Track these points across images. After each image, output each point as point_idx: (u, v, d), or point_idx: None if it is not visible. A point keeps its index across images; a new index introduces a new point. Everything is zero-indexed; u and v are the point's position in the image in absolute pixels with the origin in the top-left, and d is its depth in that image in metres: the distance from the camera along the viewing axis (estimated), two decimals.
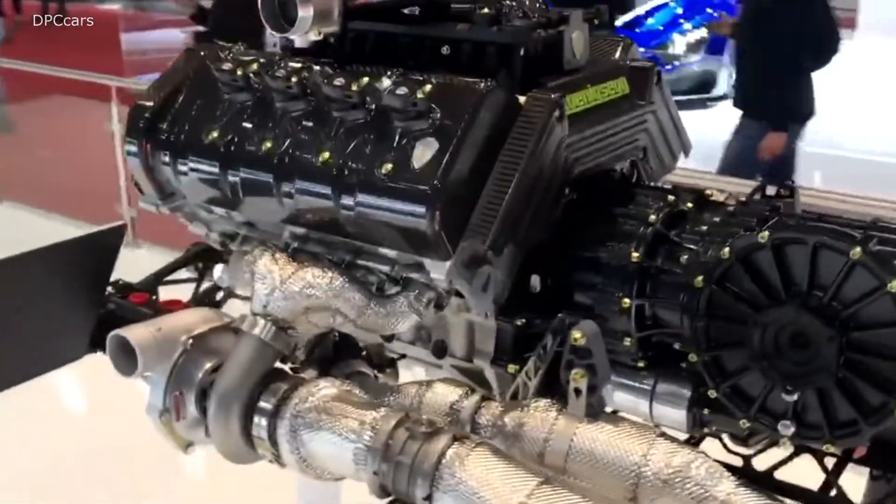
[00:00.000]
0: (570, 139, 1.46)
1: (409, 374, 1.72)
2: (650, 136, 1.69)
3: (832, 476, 1.42)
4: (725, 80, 5.14)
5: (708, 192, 1.58)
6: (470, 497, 1.12)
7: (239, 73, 1.54)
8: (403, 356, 1.68)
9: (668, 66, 4.98)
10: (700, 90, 5.20)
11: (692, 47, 5.15)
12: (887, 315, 1.20)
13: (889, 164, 4.71)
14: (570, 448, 1.21)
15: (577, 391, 1.23)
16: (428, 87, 1.40)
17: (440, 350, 1.64)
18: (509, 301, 1.49)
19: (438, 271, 1.37)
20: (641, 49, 4.86)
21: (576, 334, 1.22)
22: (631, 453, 1.18)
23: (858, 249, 1.20)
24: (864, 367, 1.23)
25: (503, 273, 1.45)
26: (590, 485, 1.18)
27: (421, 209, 1.34)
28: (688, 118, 1.80)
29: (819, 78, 4.30)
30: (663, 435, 1.20)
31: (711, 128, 4.82)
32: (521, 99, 1.42)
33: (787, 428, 1.30)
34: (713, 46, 5.18)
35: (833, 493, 1.42)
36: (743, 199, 1.71)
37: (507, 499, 1.10)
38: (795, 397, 1.28)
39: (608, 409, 1.54)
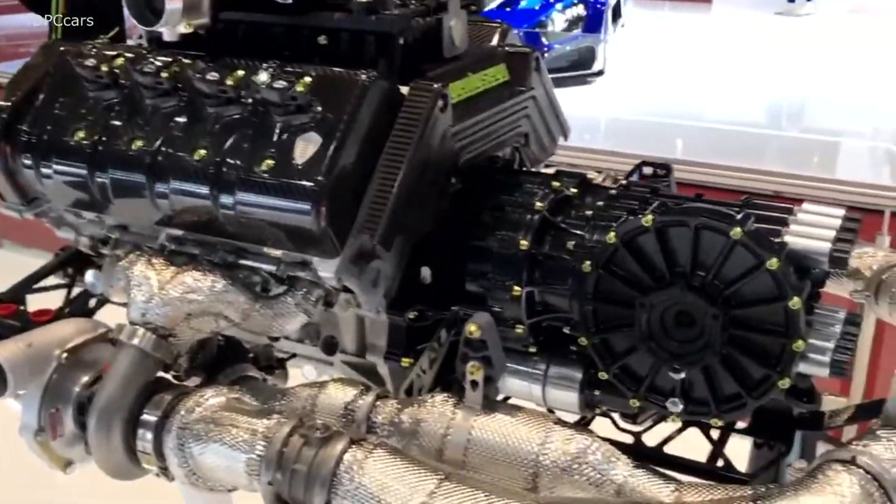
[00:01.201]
0: (454, 128, 1.45)
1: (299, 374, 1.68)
2: (531, 122, 1.69)
3: (718, 447, 1.47)
4: (602, 56, 5.24)
5: (590, 175, 1.60)
6: (370, 501, 1.10)
7: (104, 69, 1.45)
8: (293, 356, 1.64)
9: (547, 45, 5.05)
10: (579, 67, 5.29)
11: (571, 24, 5.23)
12: (767, 291, 1.25)
13: (752, 133, 4.93)
14: (468, 441, 1.20)
15: (474, 384, 1.22)
16: (307, 80, 1.36)
17: (330, 347, 1.61)
18: (400, 294, 1.47)
19: (327, 269, 1.34)
20: (522, 28, 4.93)
21: (471, 327, 1.21)
22: (529, 442, 1.19)
23: (738, 229, 1.24)
24: (746, 343, 1.28)
25: (393, 266, 1.43)
26: (490, 477, 1.18)
27: (306, 206, 1.30)
28: (569, 94, 1.81)
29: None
30: (560, 422, 1.21)
31: (592, 104, 4.94)
32: (404, 89, 1.40)
33: (675, 405, 1.34)
34: (590, 23, 5.27)
35: (720, 463, 1.47)
36: (623, 180, 1.75)
37: (409, 499, 1.09)
38: (683, 375, 1.32)
39: (501, 396, 1.56)
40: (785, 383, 1.26)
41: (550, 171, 2.04)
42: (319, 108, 1.33)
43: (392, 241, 1.34)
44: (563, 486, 1.16)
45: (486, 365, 1.22)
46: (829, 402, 2.81)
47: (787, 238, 1.29)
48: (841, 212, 1.36)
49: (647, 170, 1.80)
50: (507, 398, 1.61)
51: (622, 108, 5.08)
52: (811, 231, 1.30)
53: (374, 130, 1.35)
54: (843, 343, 1.34)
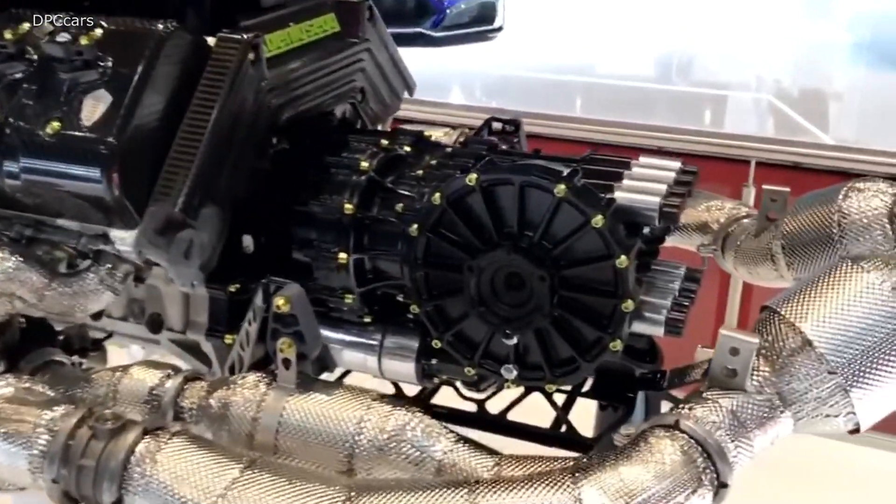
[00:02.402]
0: (272, 83, 1.34)
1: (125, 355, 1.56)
2: (367, 77, 1.59)
3: (561, 412, 1.42)
4: (502, 12, 5.16)
5: (427, 133, 1.52)
6: (164, 495, 1.00)
7: None
8: (109, 336, 1.51)
9: (449, 0, 4.93)
10: (480, 22, 5.19)
11: None
12: (595, 250, 1.19)
13: (642, 89, 4.94)
14: (280, 424, 1.11)
15: (286, 361, 1.13)
16: (97, 32, 1.22)
17: (155, 324, 1.49)
18: (221, 265, 1.36)
19: (125, 242, 1.22)
20: None
21: (279, 301, 1.11)
22: (345, 422, 1.10)
23: (562, 186, 1.17)
24: (577, 305, 1.22)
25: (210, 235, 1.32)
26: (303, 462, 1.10)
27: (96, 172, 1.17)
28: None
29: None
30: (381, 398, 1.13)
31: (484, 62, 4.86)
32: (212, 41, 1.28)
33: (510, 372, 1.28)
34: None
35: (563, 428, 1.42)
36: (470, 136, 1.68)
37: (208, 490, 1.00)
38: (515, 340, 1.25)
39: (339, 370, 1.47)
40: (616, 345, 1.20)
41: (439, 132, 1.96)
42: (110, 64, 1.20)
43: (198, 208, 1.23)
44: (381, 466, 1.08)
45: (299, 341, 1.13)
46: (703, 355, 2.85)
47: (616, 194, 1.23)
48: (676, 164, 1.31)
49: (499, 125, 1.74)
50: (346, 372, 1.53)
51: (514, 65, 5.03)
52: (642, 186, 1.25)
53: (176, 87, 1.24)
54: (680, 300, 1.30)
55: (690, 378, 1.40)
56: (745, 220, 1.60)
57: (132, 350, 1.56)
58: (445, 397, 1.51)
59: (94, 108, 1.19)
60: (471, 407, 1.48)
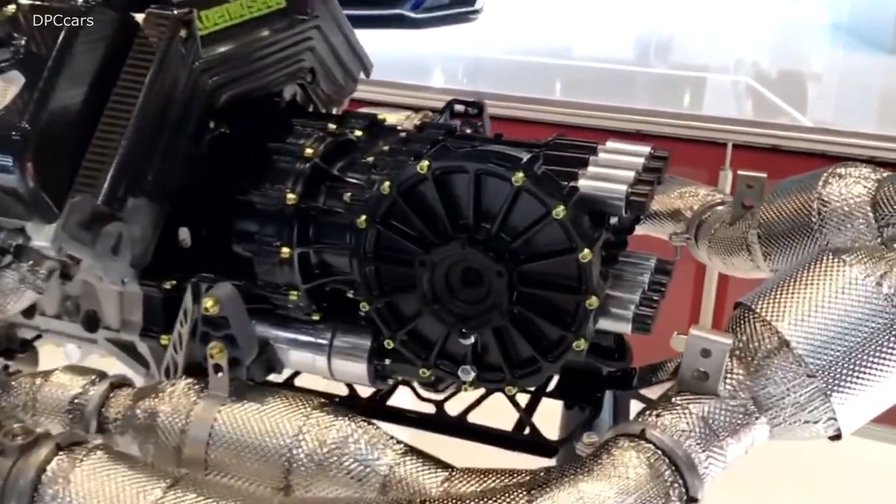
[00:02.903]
0: (207, 63, 1.23)
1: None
2: (318, 56, 1.49)
3: (525, 414, 1.33)
4: None
5: (382, 116, 1.41)
6: None
7: None
8: (38, 336, 1.41)
9: None
10: (461, 4, 5.08)
11: None
12: (556, 243, 1.09)
13: (619, 71, 4.87)
14: (211, 436, 1.01)
15: (217, 367, 1.03)
16: (10, 9, 1.11)
17: (91, 322, 1.39)
18: (157, 260, 1.26)
19: (42, 236, 1.11)
20: None
21: (207, 302, 1.01)
22: (281, 434, 1.01)
23: (521, 175, 1.07)
24: (537, 302, 1.13)
25: (143, 228, 1.23)
26: (236, 478, 1.00)
27: (7, 161, 1.07)
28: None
29: None
30: (323, 406, 1.04)
31: (460, 44, 4.76)
32: (140, 18, 1.17)
33: (467, 373, 1.18)
34: None
35: (527, 431, 1.33)
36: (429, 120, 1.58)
37: None
38: (473, 340, 1.16)
39: (287, 372, 1.38)
40: (580, 345, 1.12)
41: (400, 116, 1.86)
42: (23, 43, 1.09)
43: (124, 199, 1.13)
44: (321, 482, 0.99)
45: (231, 345, 1.03)
46: (679, 342, 2.77)
47: (580, 182, 1.14)
48: (645, 149, 1.22)
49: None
50: (295, 374, 1.44)
51: (492, 48, 4.94)
52: (608, 173, 1.15)
53: (99, 68, 1.13)
54: (649, 295, 1.21)
55: (662, 377, 1.32)
56: (720, 208, 1.51)
57: (69, 350, 1.46)
58: (403, 399, 1.42)
59: (5, 91, 1.08)
60: (429, 408, 1.39)
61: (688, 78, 4.86)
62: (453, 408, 1.40)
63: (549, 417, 1.41)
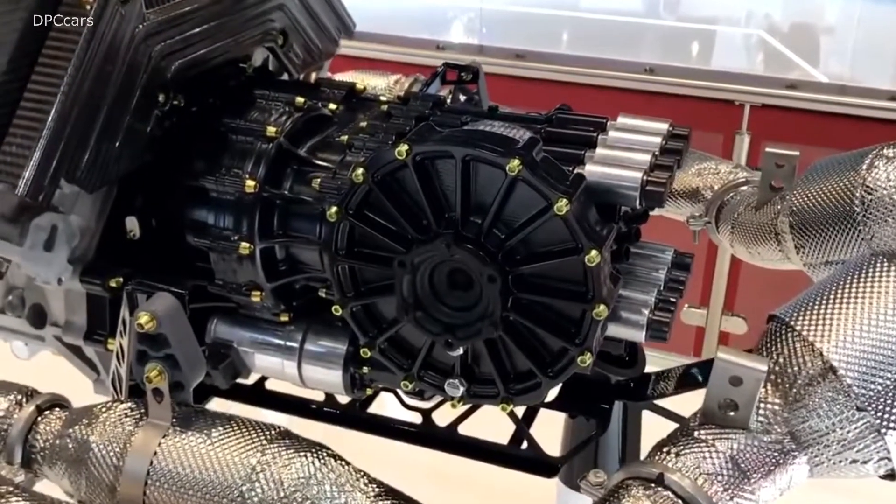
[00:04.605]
0: (153, 26, 1.06)
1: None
2: (290, 16, 1.31)
3: (523, 425, 1.18)
4: None
5: (361, 84, 1.24)
6: None
7: None
8: None
9: None
10: None
11: None
12: (558, 242, 0.93)
13: (628, 23, 4.68)
14: (150, 472, 0.86)
15: (157, 392, 0.87)
16: None
17: (38, 317, 1.24)
18: (102, 254, 1.11)
19: None
20: None
21: (141, 318, 0.85)
22: (232, 470, 0.85)
23: (516, 162, 0.90)
24: (536, 310, 0.96)
25: (86, 219, 1.07)
26: None
27: None
28: None
29: None
30: (282, 437, 0.88)
31: None
32: None
33: (455, 388, 1.03)
34: None
35: (525, 445, 1.17)
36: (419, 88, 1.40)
37: None
38: (461, 351, 1.00)
39: (255, 376, 1.23)
40: (585, 359, 0.96)
41: (389, 80, 1.68)
42: None
43: (51, 189, 0.96)
44: None
45: (172, 367, 0.87)
46: (690, 315, 2.61)
47: (588, 167, 0.97)
48: (663, 126, 1.05)
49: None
50: (264, 378, 1.28)
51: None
52: (620, 156, 0.99)
53: (22, 38, 0.96)
54: (665, 296, 1.05)
55: (677, 386, 1.16)
56: (745, 188, 1.34)
57: (16, 347, 1.30)
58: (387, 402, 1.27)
59: None
60: (416, 417, 1.24)
61: (698, 31, 4.68)
62: (442, 416, 1.25)
63: (551, 427, 1.26)
